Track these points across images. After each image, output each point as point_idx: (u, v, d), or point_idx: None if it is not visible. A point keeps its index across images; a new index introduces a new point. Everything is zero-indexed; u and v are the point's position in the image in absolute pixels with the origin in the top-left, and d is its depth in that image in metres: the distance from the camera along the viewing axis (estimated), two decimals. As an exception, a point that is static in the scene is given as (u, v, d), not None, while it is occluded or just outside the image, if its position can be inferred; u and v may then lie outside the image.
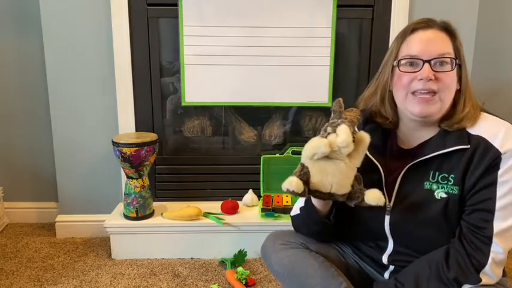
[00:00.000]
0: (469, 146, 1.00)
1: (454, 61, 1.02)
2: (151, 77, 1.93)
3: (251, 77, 1.91)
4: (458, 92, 1.05)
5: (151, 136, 1.85)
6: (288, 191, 0.98)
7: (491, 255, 0.97)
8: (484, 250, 0.97)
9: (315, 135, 1.09)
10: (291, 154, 1.95)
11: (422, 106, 1.02)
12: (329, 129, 1.00)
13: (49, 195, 2.20)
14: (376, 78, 1.13)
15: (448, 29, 1.04)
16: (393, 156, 1.12)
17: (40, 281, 1.69)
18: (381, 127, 1.14)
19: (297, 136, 2.08)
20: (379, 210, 1.09)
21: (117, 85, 1.91)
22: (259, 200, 1.98)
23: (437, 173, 1.04)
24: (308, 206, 1.14)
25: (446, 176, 1.03)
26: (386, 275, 1.16)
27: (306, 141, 1.02)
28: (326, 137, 0.99)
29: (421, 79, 1.01)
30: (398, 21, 1.87)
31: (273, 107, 2.03)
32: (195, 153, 2.07)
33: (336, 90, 1.92)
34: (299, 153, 1.06)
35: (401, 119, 1.12)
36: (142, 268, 1.79)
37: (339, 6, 1.85)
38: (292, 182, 0.98)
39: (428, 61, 1.01)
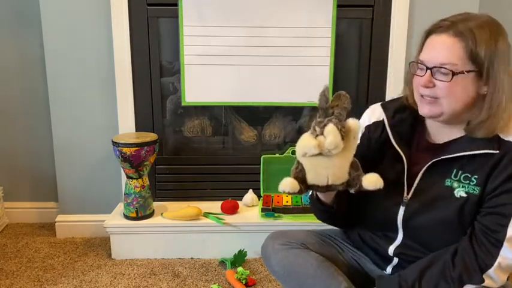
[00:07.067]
0: (497, 152, 0.99)
1: (453, 72, 0.98)
2: (151, 77, 1.93)
3: (251, 77, 1.91)
4: (482, 97, 1.01)
5: (151, 136, 1.85)
6: (284, 192, 1.00)
7: (499, 259, 0.97)
8: (493, 252, 0.98)
9: None
10: (290, 154, 1.95)
11: (428, 108, 1.04)
12: (317, 129, 1.00)
13: (49, 195, 2.20)
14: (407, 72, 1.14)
15: (463, 34, 0.98)
16: (419, 149, 1.13)
17: (40, 281, 1.69)
18: (411, 118, 1.14)
19: (297, 136, 2.06)
20: (396, 200, 1.10)
21: (117, 85, 1.91)
22: (259, 200, 1.98)
23: (460, 172, 1.04)
24: (312, 196, 1.18)
25: (469, 176, 1.02)
26: (389, 269, 1.16)
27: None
28: (316, 137, 0.98)
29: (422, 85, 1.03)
30: (398, 21, 1.87)
31: (273, 107, 2.03)
32: (195, 153, 2.06)
33: (336, 90, 1.88)
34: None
35: None
36: (142, 268, 1.79)
37: (339, 6, 1.84)
38: (287, 184, 0.99)
39: (430, 68, 1.01)
